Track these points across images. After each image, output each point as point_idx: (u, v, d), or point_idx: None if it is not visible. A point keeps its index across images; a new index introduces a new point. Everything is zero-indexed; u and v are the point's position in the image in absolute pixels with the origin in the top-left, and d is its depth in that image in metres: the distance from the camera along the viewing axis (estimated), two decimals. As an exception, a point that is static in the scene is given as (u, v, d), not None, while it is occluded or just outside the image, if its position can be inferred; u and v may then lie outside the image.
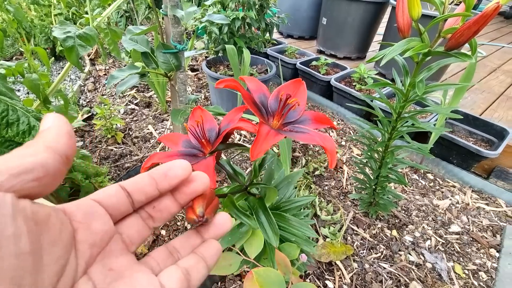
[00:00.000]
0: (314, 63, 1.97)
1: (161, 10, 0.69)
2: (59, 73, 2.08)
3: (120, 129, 1.47)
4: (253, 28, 1.42)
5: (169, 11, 0.57)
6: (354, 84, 1.72)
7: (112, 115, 1.40)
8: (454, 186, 1.31)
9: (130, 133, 1.46)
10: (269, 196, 0.54)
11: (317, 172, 1.25)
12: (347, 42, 2.14)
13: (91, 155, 1.06)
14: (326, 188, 1.23)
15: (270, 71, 1.72)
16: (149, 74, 0.76)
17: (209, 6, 1.40)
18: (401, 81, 0.78)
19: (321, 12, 2.22)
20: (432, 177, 1.37)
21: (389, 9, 2.03)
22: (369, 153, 0.91)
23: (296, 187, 1.13)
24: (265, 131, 0.31)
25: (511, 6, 4.65)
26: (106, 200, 0.18)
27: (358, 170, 1.08)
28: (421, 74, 0.70)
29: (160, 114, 1.63)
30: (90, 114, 1.56)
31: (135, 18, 2.40)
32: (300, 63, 1.91)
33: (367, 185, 1.01)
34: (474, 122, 1.42)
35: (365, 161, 0.97)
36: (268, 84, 1.74)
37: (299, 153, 1.30)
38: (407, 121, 0.81)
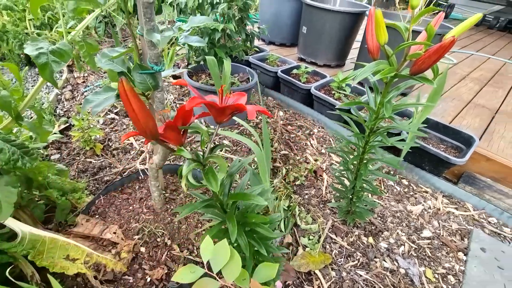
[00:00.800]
0: (295, 71, 2.01)
1: (137, 30, 0.69)
2: (35, 80, 2.01)
3: (99, 140, 1.44)
4: (234, 38, 1.44)
5: (145, 35, 0.58)
6: (333, 92, 1.77)
7: (91, 126, 1.37)
8: (426, 192, 1.38)
9: (110, 144, 1.43)
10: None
11: (297, 182, 1.28)
12: (326, 50, 2.20)
13: (68, 168, 1.04)
14: (307, 197, 1.26)
15: (251, 80, 1.74)
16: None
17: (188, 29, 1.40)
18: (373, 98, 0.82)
19: (301, 21, 2.27)
20: (406, 183, 1.44)
21: (366, 19, 2.11)
22: (345, 165, 0.94)
23: (276, 198, 1.15)
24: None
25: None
26: None
27: (336, 181, 1.12)
28: (390, 93, 0.74)
29: (141, 124, 1.61)
30: (67, 124, 1.51)
31: (115, 24, 2.35)
32: (281, 71, 1.95)
33: (345, 194, 1.05)
34: (445, 130, 1.51)
35: (342, 172, 1.01)
36: (250, 92, 1.76)
37: (280, 163, 1.32)
38: (378, 136, 0.85)
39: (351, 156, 0.90)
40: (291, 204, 1.15)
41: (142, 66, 0.65)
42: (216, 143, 1.50)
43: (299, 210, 1.16)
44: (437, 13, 0.64)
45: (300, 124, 1.80)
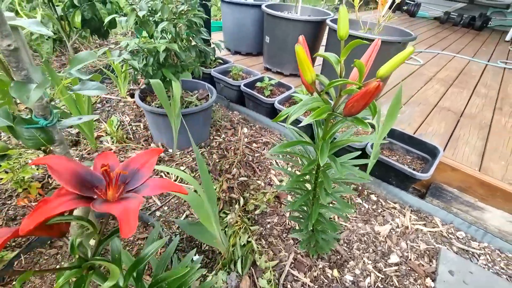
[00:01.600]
0: (259, 84, 1.92)
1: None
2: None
3: (37, 178, 1.28)
4: (181, 57, 1.32)
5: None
6: (297, 106, 1.69)
7: (23, 163, 1.22)
8: (394, 208, 1.33)
9: (50, 181, 1.28)
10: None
11: (257, 211, 1.19)
12: (291, 59, 2.13)
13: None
14: (269, 226, 1.17)
15: (211, 97, 1.64)
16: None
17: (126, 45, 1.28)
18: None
19: (264, 31, 2.19)
20: (375, 198, 1.38)
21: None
22: (298, 203, 0.86)
23: (234, 232, 1.05)
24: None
25: (445, 11, 5.06)
26: None
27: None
28: (334, 126, 0.66)
29: (89, 154, 1.47)
30: None
31: (64, 40, 2.17)
32: (245, 85, 1.86)
33: (305, 225, 0.97)
34: (410, 140, 1.47)
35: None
36: (210, 110, 1.65)
37: (237, 193, 1.22)
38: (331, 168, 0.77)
39: (306, 187, 0.82)
40: (250, 239, 1.06)
41: (27, 120, 0.53)
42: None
43: (258, 244, 1.07)
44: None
45: (266, 140, 1.71)
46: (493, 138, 1.63)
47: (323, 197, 0.65)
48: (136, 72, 1.30)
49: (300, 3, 2.01)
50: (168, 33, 1.21)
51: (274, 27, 2.05)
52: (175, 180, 1.35)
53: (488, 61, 3.06)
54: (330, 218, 1.13)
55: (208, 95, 1.73)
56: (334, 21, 1.84)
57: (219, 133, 1.74)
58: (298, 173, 1.11)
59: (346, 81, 0.50)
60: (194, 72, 1.55)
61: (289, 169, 1.50)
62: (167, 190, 0.39)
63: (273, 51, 2.18)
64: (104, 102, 1.93)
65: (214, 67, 2.18)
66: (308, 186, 0.84)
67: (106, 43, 2.82)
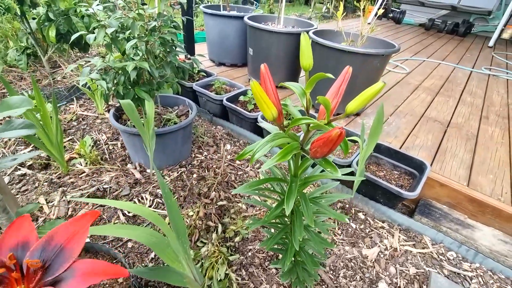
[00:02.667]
0: (242, 98, 1.87)
1: None
2: None
3: None
4: (155, 75, 1.26)
5: None
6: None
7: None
8: (383, 227, 1.27)
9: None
10: None
11: (237, 238, 1.11)
12: (276, 71, 2.09)
13: None
14: (250, 254, 1.09)
15: (191, 113, 1.57)
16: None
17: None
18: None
19: (247, 43, 2.14)
20: (363, 217, 1.33)
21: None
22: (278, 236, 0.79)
23: (210, 264, 0.97)
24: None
25: (430, 18, 5.15)
26: None
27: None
28: (306, 161, 0.60)
29: (59, 178, 1.37)
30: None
31: (39, 55, 2.08)
32: (227, 99, 1.80)
33: (282, 261, 0.90)
34: (396, 155, 1.42)
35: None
36: (190, 127, 1.58)
37: (214, 221, 1.14)
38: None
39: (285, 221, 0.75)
40: (228, 271, 0.98)
41: None
42: None
43: (238, 276, 0.99)
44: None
45: (249, 157, 1.64)
46: (480, 150, 1.60)
47: (296, 240, 0.58)
48: (107, 92, 1.22)
49: (283, 15, 1.98)
50: (139, 51, 1.14)
51: (257, 39, 2.01)
52: (151, 206, 1.26)
53: (473, 68, 3.09)
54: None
55: (188, 111, 1.66)
56: (317, 33, 1.80)
57: (201, 150, 1.67)
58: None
59: (311, 121, 0.44)
60: (172, 88, 1.48)
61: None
62: (102, 277, 0.31)
63: (257, 63, 2.13)
64: (81, 119, 1.84)
65: (197, 80, 2.12)
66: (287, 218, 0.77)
67: (88, 55, 2.73)
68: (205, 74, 2.20)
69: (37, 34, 2.06)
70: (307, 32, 1.88)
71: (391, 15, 5.53)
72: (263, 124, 0.63)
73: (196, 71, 2.19)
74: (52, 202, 1.24)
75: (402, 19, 5.38)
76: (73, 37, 1.15)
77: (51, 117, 1.26)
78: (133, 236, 0.62)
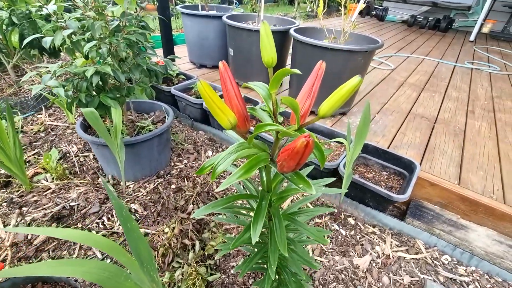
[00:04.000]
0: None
1: None
2: None
3: (-51, 234, 1.05)
4: (121, 80, 1.15)
5: None
6: (264, 123, 1.55)
7: None
8: (374, 233, 1.20)
9: (-34, 237, 1.05)
10: None
11: (217, 256, 1.02)
12: (258, 71, 2.01)
13: None
14: (232, 272, 1.00)
15: (167, 119, 1.47)
16: None
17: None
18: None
19: (227, 43, 2.05)
20: (353, 222, 1.26)
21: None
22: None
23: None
24: None
25: (412, 15, 5.18)
26: None
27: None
28: (278, 175, 0.51)
29: (21, 196, 1.24)
30: None
31: (4, 62, 1.93)
32: (207, 102, 1.70)
33: (264, 277, 0.81)
34: (385, 155, 1.36)
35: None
36: (167, 134, 1.48)
37: (191, 239, 1.04)
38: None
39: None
40: (207, 294, 0.88)
41: None
42: None
43: (219, 299, 0.90)
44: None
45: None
46: (469, 146, 1.56)
47: (270, 267, 0.50)
48: (69, 100, 1.11)
49: (262, 13, 1.90)
50: (99, 54, 1.04)
51: (237, 39, 1.92)
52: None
53: (456, 62, 3.09)
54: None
55: (165, 117, 1.55)
56: (298, 30, 1.73)
57: (180, 158, 1.57)
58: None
59: (276, 127, 0.35)
60: (146, 93, 1.38)
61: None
62: None
63: (238, 64, 2.04)
64: (49, 130, 1.71)
65: (176, 84, 2.01)
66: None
67: (62, 60, 2.58)
68: (184, 77, 2.10)
69: (2, 40, 1.92)
70: (288, 30, 1.81)
71: (374, 12, 5.55)
72: (229, 131, 0.54)
73: (175, 74, 2.08)
74: (9, 223, 1.11)
75: (385, 16, 5.41)
76: (25, 41, 1.03)
77: (7, 131, 1.13)
78: (79, 273, 0.51)
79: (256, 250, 0.71)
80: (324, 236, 0.94)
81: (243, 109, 0.45)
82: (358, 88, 0.35)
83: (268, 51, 0.38)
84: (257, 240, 0.66)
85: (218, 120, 0.38)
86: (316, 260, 1.07)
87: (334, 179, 0.64)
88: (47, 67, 1.07)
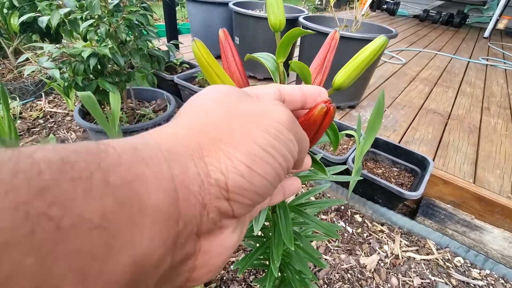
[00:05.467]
0: (227, 90, 1.71)
1: None
2: None
3: None
4: (120, 64, 1.10)
5: None
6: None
7: None
8: (382, 231, 1.14)
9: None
10: None
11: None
12: (265, 62, 1.93)
13: None
14: (232, 268, 0.95)
15: (169, 107, 1.42)
16: None
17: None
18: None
19: (233, 32, 1.98)
20: (360, 219, 1.20)
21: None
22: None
23: None
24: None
25: (424, 9, 5.03)
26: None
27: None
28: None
29: None
30: None
31: (4, 47, 1.89)
32: (211, 92, 1.64)
33: (267, 273, 0.76)
34: (396, 151, 1.29)
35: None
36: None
37: None
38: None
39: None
40: (205, 290, 0.84)
41: None
42: None
43: (218, 295, 0.85)
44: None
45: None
46: (484, 143, 1.48)
47: (273, 263, 0.44)
48: (66, 84, 1.06)
49: None
50: (98, 35, 0.98)
51: (243, 27, 1.85)
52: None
53: (470, 58, 2.98)
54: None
55: (166, 105, 1.50)
56: (307, 18, 1.65)
57: (182, 148, 1.52)
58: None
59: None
60: (147, 79, 1.33)
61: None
62: None
63: (244, 53, 1.96)
64: (48, 116, 1.67)
65: (180, 72, 1.95)
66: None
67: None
68: (188, 66, 2.04)
69: (3, 24, 1.88)
70: (297, 18, 1.73)
71: (385, 6, 5.40)
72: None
73: (179, 63, 2.02)
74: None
75: (396, 11, 5.25)
76: (21, 19, 0.98)
77: (2, 116, 1.09)
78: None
79: (257, 245, 0.66)
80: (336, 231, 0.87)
81: (245, 84, 0.39)
82: (382, 51, 0.29)
83: (276, 12, 0.32)
84: (259, 234, 0.60)
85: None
86: (320, 257, 1.02)
87: (345, 167, 0.58)
88: (42, 47, 1.02)
